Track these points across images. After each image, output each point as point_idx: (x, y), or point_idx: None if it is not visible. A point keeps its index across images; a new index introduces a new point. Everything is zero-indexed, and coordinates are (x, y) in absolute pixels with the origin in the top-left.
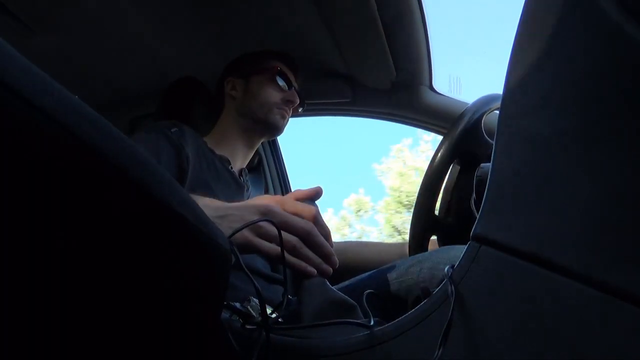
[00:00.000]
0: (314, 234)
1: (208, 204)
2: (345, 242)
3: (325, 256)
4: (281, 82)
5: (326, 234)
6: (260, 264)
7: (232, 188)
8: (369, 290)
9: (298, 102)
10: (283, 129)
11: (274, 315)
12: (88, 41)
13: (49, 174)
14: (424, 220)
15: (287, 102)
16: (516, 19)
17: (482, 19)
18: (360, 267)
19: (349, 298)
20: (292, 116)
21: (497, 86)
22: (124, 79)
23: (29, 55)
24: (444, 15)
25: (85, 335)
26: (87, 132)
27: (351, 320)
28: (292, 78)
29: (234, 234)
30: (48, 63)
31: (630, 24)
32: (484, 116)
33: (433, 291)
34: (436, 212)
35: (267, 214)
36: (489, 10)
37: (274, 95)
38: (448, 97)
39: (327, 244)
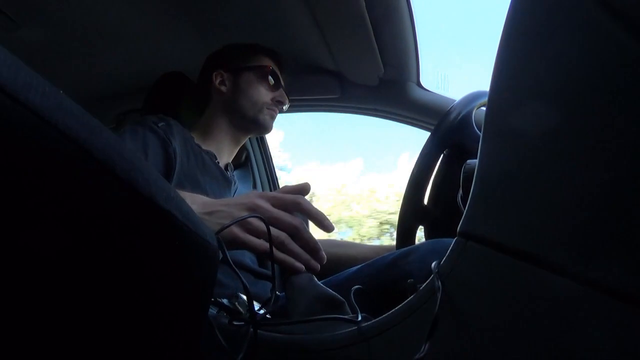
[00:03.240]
0: (301, 229)
1: (196, 201)
2: (325, 240)
3: (313, 251)
4: (271, 82)
5: (321, 216)
6: (249, 259)
7: (220, 182)
8: (356, 286)
9: (287, 102)
10: (271, 128)
11: (261, 312)
12: (74, 35)
13: (33, 170)
14: (412, 212)
15: (277, 102)
16: (504, 16)
17: (470, 16)
18: (342, 266)
19: (336, 294)
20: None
21: (484, 84)
22: (110, 74)
23: (14, 48)
24: (432, 12)
25: (71, 332)
26: (73, 127)
27: (338, 315)
28: (281, 77)
29: (222, 229)
30: (33, 57)
31: (613, 22)
32: (474, 111)
33: (420, 286)
34: (424, 204)
35: (255, 210)
36: (477, 7)
37: (265, 95)
38: (435, 93)
39: (315, 240)
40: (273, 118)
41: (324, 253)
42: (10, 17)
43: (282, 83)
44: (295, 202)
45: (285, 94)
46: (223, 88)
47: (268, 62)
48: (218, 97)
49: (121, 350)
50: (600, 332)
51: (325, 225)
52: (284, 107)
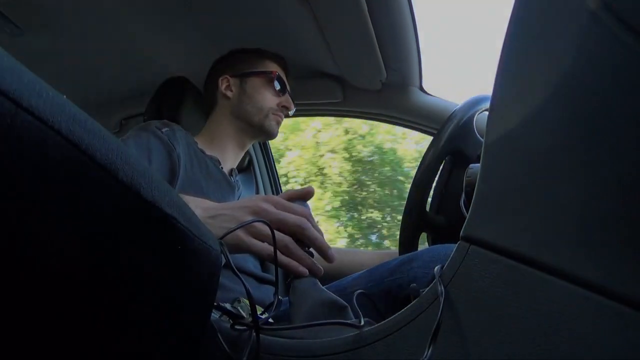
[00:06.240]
0: (307, 228)
1: (199, 205)
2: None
3: (321, 249)
4: (277, 87)
5: (325, 246)
6: (252, 264)
7: (224, 188)
8: (359, 290)
9: (293, 108)
10: (277, 134)
11: (264, 316)
12: (77, 41)
13: (36, 175)
14: (415, 219)
15: (283, 107)
16: (507, 21)
17: (473, 21)
18: (345, 272)
19: (339, 298)
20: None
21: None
22: (113, 79)
23: (18, 54)
24: (434, 17)
25: (73, 336)
26: (76, 132)
27: (341, 320)
28: (286, 82)
29: (227, 234)
30: (37, 63)
31: (615, 24)
32: (476, 116)
33: (423, 291)
34: (427, 211)
35: (259, 214)
36: (481, 12)
37: (271, 100)
38: (438, 98)
39: (322, 238)
40: (279, 124)
41: (333, 252)
42: (14, 23)
43: (288, 88)
44: (299, 226)
45: (291, 99)
46: (229, 93)
47: (274, 68)
48: (224, 102)
49: (124, 354)
50: (604, 337)
51: (328, 256)
52: (289, 112)
